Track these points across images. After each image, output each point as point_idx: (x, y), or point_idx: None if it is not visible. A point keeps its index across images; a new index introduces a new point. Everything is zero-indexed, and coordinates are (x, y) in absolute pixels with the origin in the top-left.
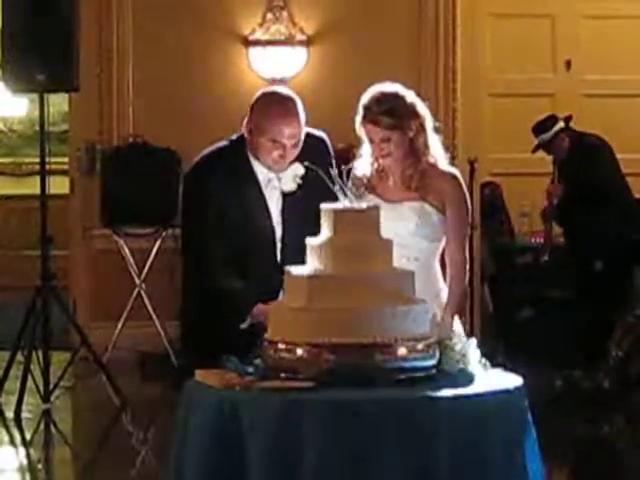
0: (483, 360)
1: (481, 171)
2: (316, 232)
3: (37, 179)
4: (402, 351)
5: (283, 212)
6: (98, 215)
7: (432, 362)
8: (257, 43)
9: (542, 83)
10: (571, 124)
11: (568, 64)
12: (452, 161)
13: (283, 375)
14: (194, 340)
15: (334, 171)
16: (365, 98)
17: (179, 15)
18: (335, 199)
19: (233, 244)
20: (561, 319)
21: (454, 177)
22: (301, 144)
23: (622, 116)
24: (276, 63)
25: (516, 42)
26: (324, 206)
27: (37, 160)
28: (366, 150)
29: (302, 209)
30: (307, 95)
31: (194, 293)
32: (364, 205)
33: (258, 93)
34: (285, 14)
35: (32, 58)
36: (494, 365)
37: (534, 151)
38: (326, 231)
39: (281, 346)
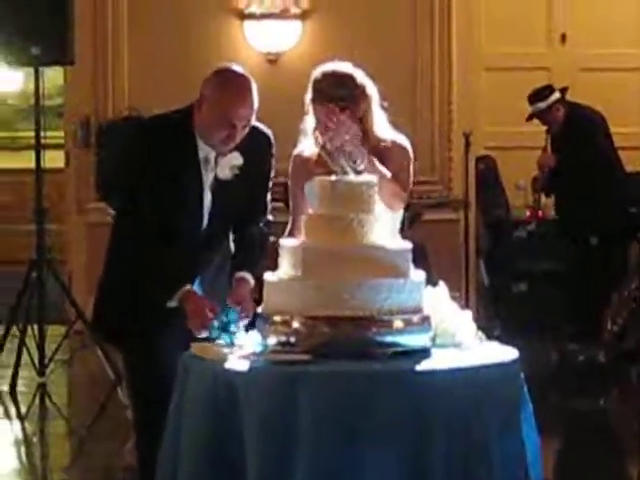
0: (479, 333)
1: (476, 145)
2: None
3: (32, 153)
4: (398, 324)
5: (214, 199)
6: (93, 188)
7: (427, 335)
8: (252, 16)
9: (537, 57)
10: (567, 96)
11: (563, 38)
12: (448, 135)
13: (279, 348)
14: (108, 308)
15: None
16: (316, 77)
17: None
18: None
19: (161, 218)
20: (556, 292)
21: (400, 145)
22: (249, 127)
23: (617, 90)
24: (271, 36)
25: (511, 15)
26: (320, 178)
27: (32, 134)
28: (310, 126)
29: (231, 199)
30: (301, 69)
31: (120, 258)
32: (359, 179)
33: (214, 70)
34: None
35: (27, 31)
36: (490, 338)
37: (528, 119)
38: (322, 203)
39: (277, 319)
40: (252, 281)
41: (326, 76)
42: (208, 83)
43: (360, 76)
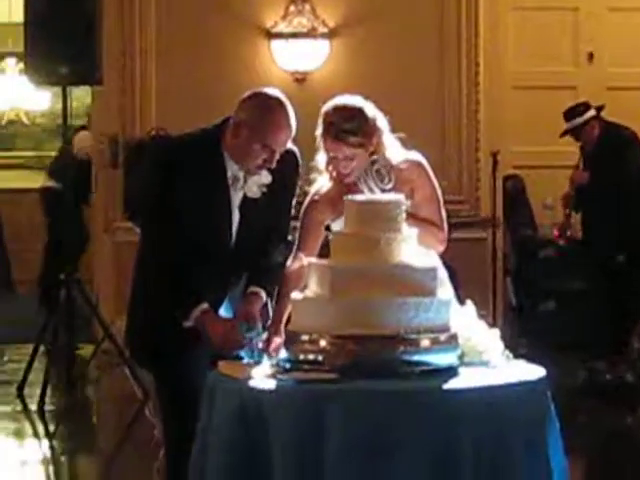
0: (506, 352)
1: (504, 164)
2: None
3: None
4: (425, 343)
5: (242, 217)
6: (120, 208)
7: (455, 353)
8: (280, 36)
9: (564, 76)
10: (601, 114)
11: (590, 56)
12: (475, 155)
13: (306, 367)
14: (138, 333)
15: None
16: (328, 112)
17: (202, 8)
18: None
19: (189, 239)
20: (584, 311)
21: (414, 163)
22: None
23: None
24: (299, 56)
25: (538, 35)
26: (348, 198)
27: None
28: (322, 162)
29: (258, 217)
30: (329, 87)
31: (146, 278)
32: (387, 198)
33: (248, 94)
34: (307, 7)
35: (55, 51)
36: (517, 357)
37: (562, 135)
38: (350, 223)
39: (304, 337)
40: (264, 297)
41: (337, 110)
42: (245, 107)
43: (370, 109)
